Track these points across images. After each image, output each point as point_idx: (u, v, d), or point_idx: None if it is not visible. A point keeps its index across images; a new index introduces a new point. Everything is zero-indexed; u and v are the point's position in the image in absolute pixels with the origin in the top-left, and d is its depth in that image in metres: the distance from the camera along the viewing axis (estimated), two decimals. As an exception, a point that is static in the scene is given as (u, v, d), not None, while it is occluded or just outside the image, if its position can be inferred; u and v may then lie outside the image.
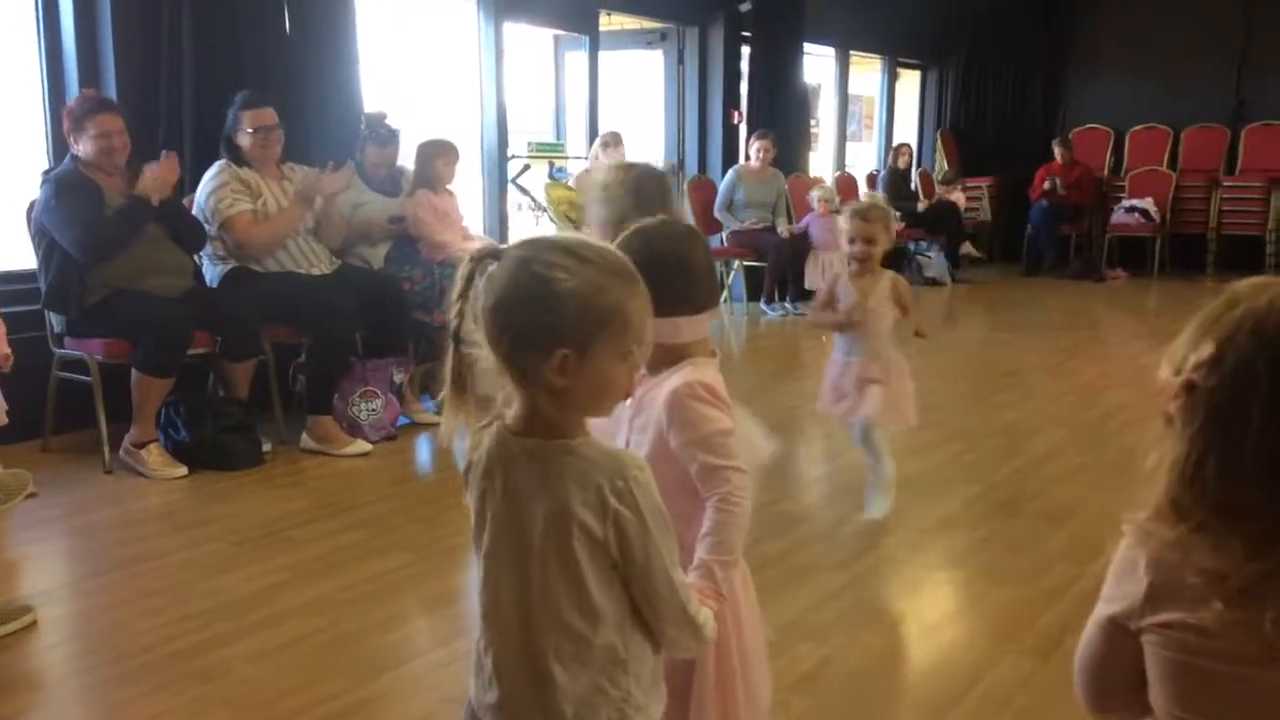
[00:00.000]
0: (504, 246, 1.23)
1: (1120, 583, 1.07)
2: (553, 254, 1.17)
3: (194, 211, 4.24)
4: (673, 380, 1.53)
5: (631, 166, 2.07)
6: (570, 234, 1.27)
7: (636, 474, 1.19)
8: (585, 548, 1.18)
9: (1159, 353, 1.07)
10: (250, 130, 4.24)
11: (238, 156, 4.28)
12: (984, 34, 10.52)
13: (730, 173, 7.81)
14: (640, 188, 1.96)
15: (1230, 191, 9.72)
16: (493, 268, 1.19)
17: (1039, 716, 2.23)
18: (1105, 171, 10.35)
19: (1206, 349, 0.99)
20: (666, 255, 1.53)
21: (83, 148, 3.90)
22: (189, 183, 4.42)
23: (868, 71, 10.41)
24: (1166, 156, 10.21)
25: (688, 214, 7.95)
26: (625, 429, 1.61)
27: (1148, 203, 9.69)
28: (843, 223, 3.36)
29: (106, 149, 3.89)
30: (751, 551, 3.19)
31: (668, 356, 1.53)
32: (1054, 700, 2.25)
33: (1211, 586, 0.98)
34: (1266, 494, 0.97)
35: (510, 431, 1.23)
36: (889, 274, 3.35)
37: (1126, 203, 9.81)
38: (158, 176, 3.94)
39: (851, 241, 3.30)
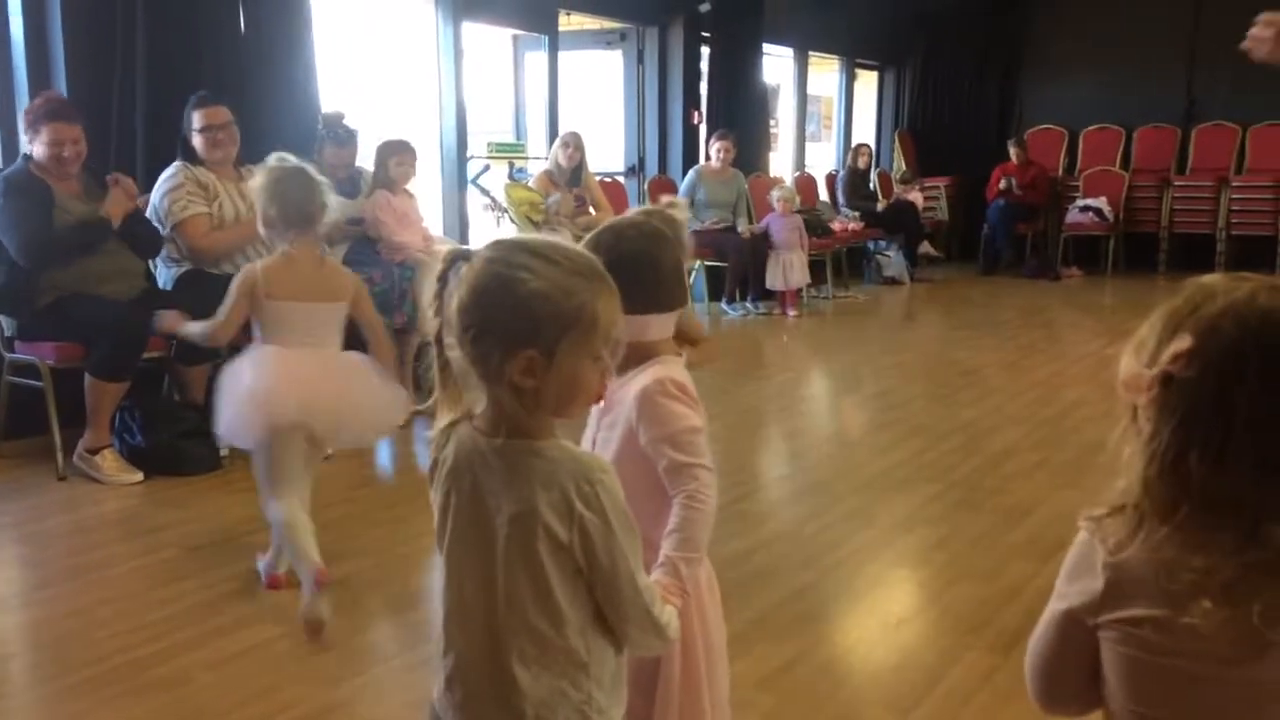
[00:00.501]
0: (475, 248, 1.23)
1: (1076, 578, 1.07)
2: (519, 255, 1.17)
3: (148, 212, 4.17)
4: (642, 378, 1.53)
5: None
6: (538, 236, 1.27)
7: (602, 477, 1.19)
8: (549, 550, 1.18)
9: (1116, 349, 1.07)
10: (198, 128, 4.18)
11: (193, 157, 4.22)
12: (940, 35, 10.62)
13: (691, 173, 7.83)
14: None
15: (1181, 191, 9.89)
16: (463, 269, 1.19)
17: (1000, 712, 2.25)
18: (1060, 171, 10.49)
19: (1184, 341, 0.98)
20: (637, 254, 1.53)
21: (36, 150, 3.85)
22: (144, 186, 4.35)
23: (826, 72, 10.48)
24: (1119, 156, 10.36)
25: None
26: (593, 427, 1.61)
27: (1101, 202, 9.83)
28: None
29: (56, 157, 3.85)
30: (714, 552, 3.19)
31: (636, 355, 1.54)
32: (1015, 696, 2.27)
33: (1198, 583, 0.97)
34: (1254, 484, 0.96)
35: (478, 431, 1.22)
36: None
37: (1081, 202, 9.95)
38: (117, 202, 3.88)
39: None
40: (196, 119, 4.19)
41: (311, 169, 2.62)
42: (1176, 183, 9.93)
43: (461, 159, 6.55)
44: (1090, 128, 10.58)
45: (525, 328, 1.15)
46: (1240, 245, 9.50)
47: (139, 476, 3.78)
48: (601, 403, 1.59)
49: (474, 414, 1.22)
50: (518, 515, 1.18)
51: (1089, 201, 9.90)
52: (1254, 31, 2.04)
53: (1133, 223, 10.00)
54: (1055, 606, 1.09)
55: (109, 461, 3.79)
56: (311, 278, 2.55)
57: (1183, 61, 9.96)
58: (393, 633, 2.72)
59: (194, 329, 2.69)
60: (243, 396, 2.66)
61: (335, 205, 4.59)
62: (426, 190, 5.81)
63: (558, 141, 6.72)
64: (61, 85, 4.30)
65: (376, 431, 3.16)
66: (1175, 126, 10.17)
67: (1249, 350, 0.96)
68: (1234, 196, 9.61)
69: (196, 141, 4.21)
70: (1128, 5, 10.03)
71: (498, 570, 1.20)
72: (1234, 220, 9.59)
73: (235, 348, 4.17)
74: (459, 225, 6.55)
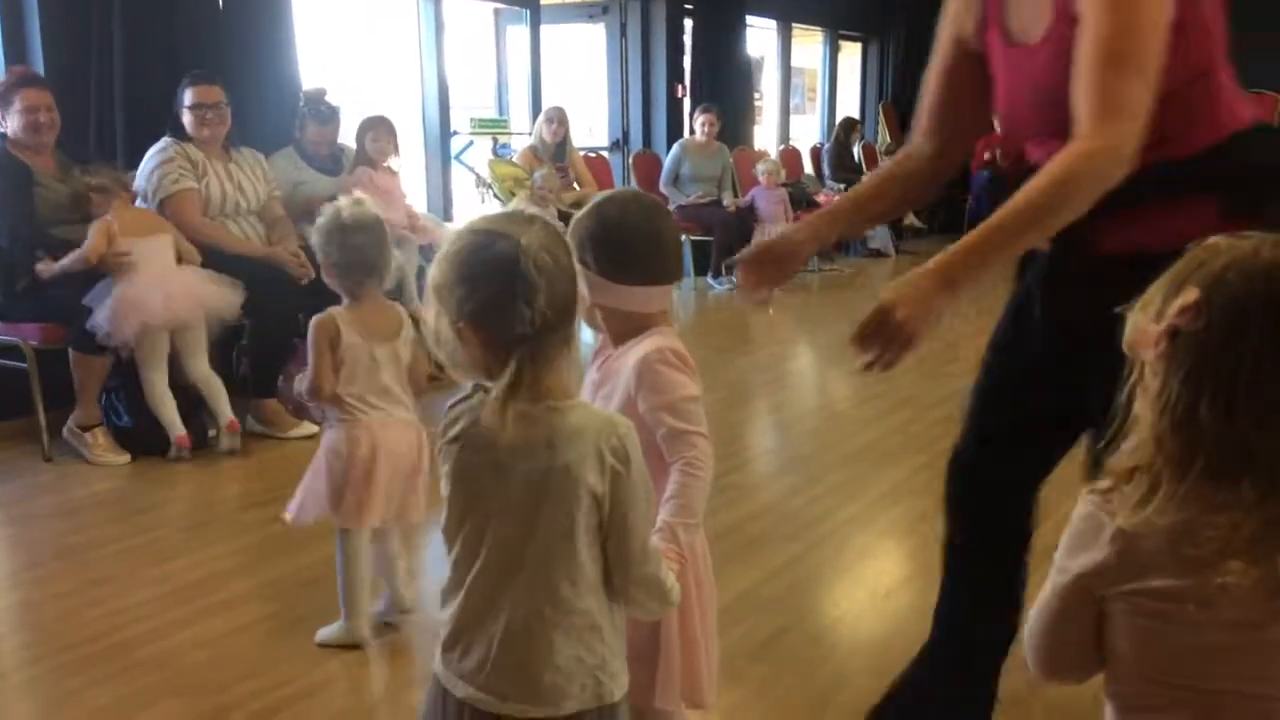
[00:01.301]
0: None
1: (1081, 550, 1.06)
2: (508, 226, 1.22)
3: (136, 185, 4.13)
4: (641, 347, 1.55)
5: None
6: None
7: (627, 433, 1.24)
8: (583, 505, 1.21)
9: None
10: (189, 105, 4.15)
11: (183, 134, 4.19)
12: (924, 5, 10.57)
13: (675, 147, 7.80)
14: None
15: (1164, 160, 9.89)
16: (453, 246, 1.22)
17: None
18: (1045, 142, 10.48)
19: (1190, 294, 0.98)
20: (640, 226, 1.56)
21: (10, 124, 3.81)
22: (124, 163, 4.32)
23: (810, 44, 10.44)
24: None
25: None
26: (590, 397, 1.62)
27: (1085, 172, 9.84)
28: None
29: (33, 124, 3.80)
30: (704, 524, 3.21)
31: (634, 326, 1.56)
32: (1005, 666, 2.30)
33: (1225, 542, 0.97)
34: (1265, 435, 0.96)
35: (497, 400, 1.22)
36: None
37: (1064, 173, 9.95)
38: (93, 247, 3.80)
39: None
40: (188, 96, 4.15)
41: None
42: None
43: (444, 135, 6.51)
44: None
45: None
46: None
47: (126, 458, 3.77)
48: (595, 367, 1.61)
49: (487, 382, 1.23)
50: (548, 471, 1.21)
51: (1073, 172, 9.90)
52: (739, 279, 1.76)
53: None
54: (1058, 580, 1.09)
55: (99, 440, 3.78)
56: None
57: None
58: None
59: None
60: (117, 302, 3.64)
61: (319, 183, 4.60)
62: (410, 167, 5.78)
63: (542, 117, 6.69)
64: (38, 64, 4.25)
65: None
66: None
67: (1253, 301, 0.96)
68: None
69: (186, 119, 4.17)
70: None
71: (521, 533, 1.22)
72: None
73: (220, 328, 4.17)
74: (443, 202, 6.53)
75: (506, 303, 1.17)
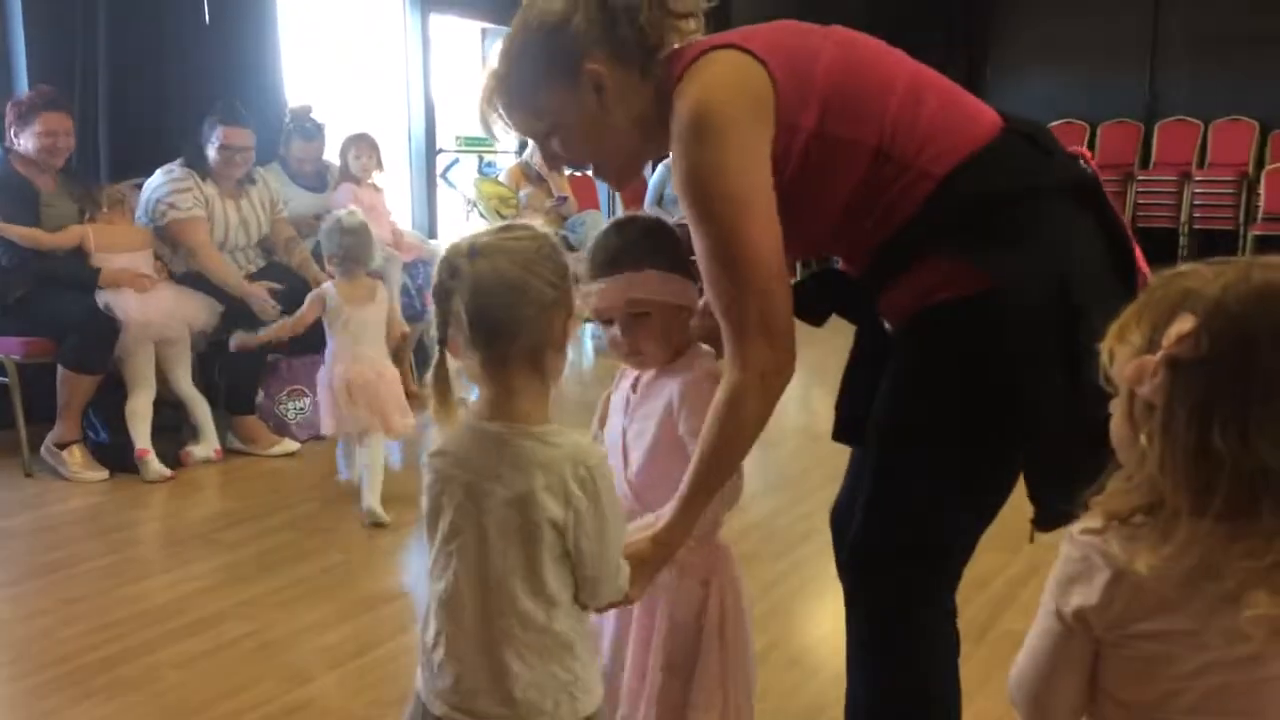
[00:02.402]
0: (469, 244, 1.26)
1: (1077, 591, 1.02)
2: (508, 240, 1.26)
3: (141, 204, 4.10)
4: (689, 368, 1.59)
5: None
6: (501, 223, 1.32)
7: (598, 463, 1.23)
8: (545, 533, 1.22)
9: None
10: (219, 145, 4.09)
11: (201, 165, 4.15)
12: (904, 29, 10.67)
13: (660, 168, 7.78)
14: None
15: (1145, 185, 10.00)
16: (464, 264, 1.23)
17: (972, 698, 2.26)
18: (1025, 166, 10.56)
19: (1187, 321, 0.96)
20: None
21: (24, 143, 3.80)
22: (105, 174, 4.30)
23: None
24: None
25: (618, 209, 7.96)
26: (621, 418, 1.65)
27: (1067, 196, 9.92)
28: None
29: (50, 148, 3.82)
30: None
31: (683, 339, 1.61)
32: (985, 683, 2.29)
33: (1248, 573, 0.94)
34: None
35: (477, 417, 1.25)
36: None
37: (1046, 197, 10.03)
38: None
39: None
40: (220, 135, 4.08)
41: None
42: (1140, 177, 10.05)
43: (430, 153, 6.52)
44: (1055, 123, 10.66)
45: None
46: (1203, 240, 9.63)
47: (104, 474, 3.73)
48: (633, 394, 1.64)
49: (468, 401, 1.24)
50: (515, 499, 1.21)
51: (1054, 196, 9.99)
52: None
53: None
54: (1049, 623, 1.05)
55: (77, 457, 3.75)
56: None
57: (1144, 57, 10.07)
58: (364, 629, 2.69)
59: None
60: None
61: (304, 200, 4.59)
62: (395, 184, 5.78)
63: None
64: (23, 80, 4.24)
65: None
66: (1138, 122, 10.29)
67: (1256, 324, 0.95)
68: (1196, 191, 9.73)
69: (214, 157, 4.11)
70: (1089, 2, 10.13)
71: (492, 555, 1.23)
72: (1196, 215, 9.72)
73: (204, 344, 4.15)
74: (428, 219, 6.52)
75: (442, 310, 1.22)
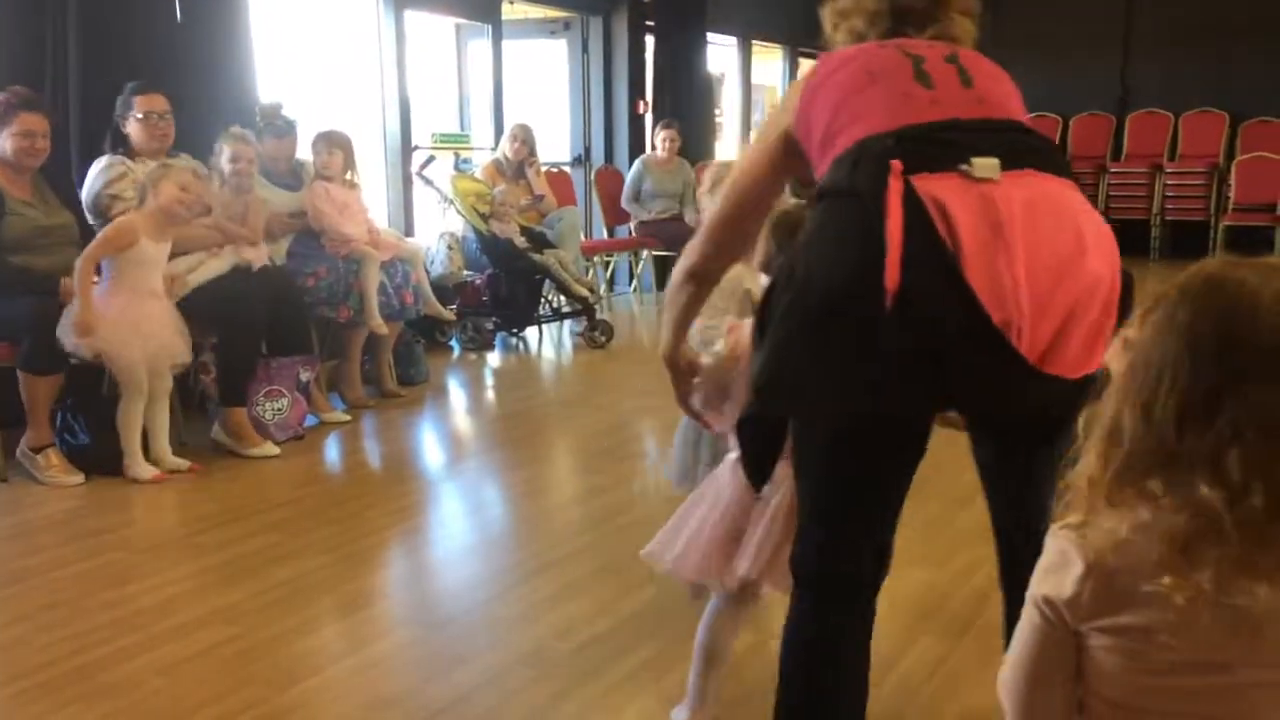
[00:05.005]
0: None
1: (1055, 583, 1.05)
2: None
3: (85, 207, 4.07)
4: None
5: None
6: None
7: None
8: None
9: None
10: (140, 116, 4.10)
11: (126, 148, 4.13)
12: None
13: (636, 163, 7.82)
14: None
15: (1117, 177, 10.09)
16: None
17: (955, 694, 2.28)
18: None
19: (1142, 308, 1.03)
20: None
21: (1, 143, 3.75)
22: (77, 175, 4.25)
23: (769, 60, 10.52)
24: (1057, 143, 10.52)
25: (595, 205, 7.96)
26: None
27: (1040, 189, 9.99)
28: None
29: (28, 149, 3.79)
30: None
31: None
32: (967, 679, 2.31)
33: (1173, 542, 0.97)
34: (1178, 439, 0.98)
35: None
36: None
37: (1020, 189, 10.10)
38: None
39: None
40: (137, 104, 4.11)
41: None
42: (1112, 169, 10.14)
43: (405, 150, 6.48)
44: (1030, 115, 10.71)
45: None
46: (1174, 230, 9.73)
47: (80, 478, 3.69)
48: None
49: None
50: None
51: (1028, 188, 10.05)
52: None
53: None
54: (1029, 615, 1.07)
55: (53, 461, 3.70)
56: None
57: (1116, 50, 10.15)
58: (347, 631, 2.68)
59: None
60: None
61: (278, 198, 4.56)
62: (371, 182, 5.74)
63: (506, 134, 6.68)
64: (-9, 78, 4.18)
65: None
66: (1110, 114, 10.37)
67: (1179, 312, 0.99)
68: (1168, 182, 9.83)
69: (134, 129, 4.12)
70: (1063, -5, 10.20)
71: None
72: (1168, 206, 9.82)
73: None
74: (404, 217, 6.49)
75: None
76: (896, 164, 1.39)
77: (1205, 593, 0.95)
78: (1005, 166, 1.41)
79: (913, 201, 1.37)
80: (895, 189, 1.37)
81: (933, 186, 1.38)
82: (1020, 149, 1.48)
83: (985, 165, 1.40)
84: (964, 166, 1.39)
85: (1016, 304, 1.34)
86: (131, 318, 3.70)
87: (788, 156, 1.67)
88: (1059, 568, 1.04)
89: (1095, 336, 1.39)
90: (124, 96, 4.14)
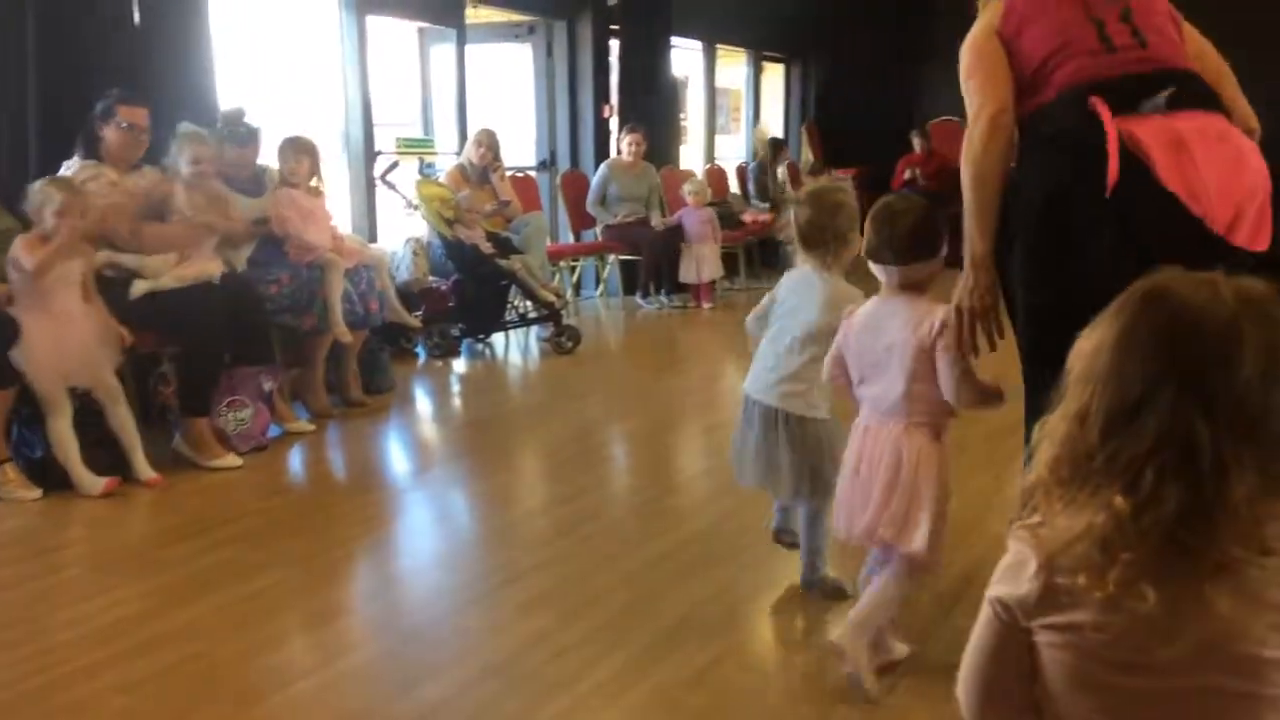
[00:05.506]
0: None
1: (1010, 582, 1.07)
2: None
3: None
4: (935, 311, 2.17)
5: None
6: None
7: None
8: None
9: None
10: (125, 125, 4.06)
11: (98, 153, 4.06)
12: (844, 28, 10.77)
13: (602, 167, 7.81)
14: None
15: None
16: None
17: (926, 694, 2.29)
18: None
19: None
20: (931, 217, 2.26)
21: None
22: (36, 178, 4.17)
23: (734, 64, 10.55)
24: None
25: (561, 210, 7.93)
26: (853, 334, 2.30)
27: (1001, 191, 10.08)
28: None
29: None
30: (636, 550, 3.20)
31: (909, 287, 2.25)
32: (938, 680, 2.32)
33: (1099, 547, 0.99)
34: (1102, 441, 1.02)
35: None
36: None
37: (981, 191, 10.18)
38: None
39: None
40: (121, 114, 4.06)
41: None
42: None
43: (369, 155, 6.43)
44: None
45: None
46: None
47: (38, 493, 3.62)
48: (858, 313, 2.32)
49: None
50: None
51: (989, 191, 10.13)
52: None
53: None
54: (987, 611, 1.10)
55: (9, 475, 3.63)
56: None
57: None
58: (313, 646, 2.65)
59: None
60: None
61: (240, 205, 4.50)
62: (334, 187, 5.69)
63: (471, 139, 6.64)
64: (-56, 83, 4.10)
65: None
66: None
67: (1115, 315, 1.04)
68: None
69: (113, 136, 4.07)
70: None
71: None
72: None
73: (137, 357, 4.03)
74: (368, 223, 6.44)
75: None
76: (1101, 105, 1.94)
77: (1113, 593, 0.98)
78: (1175, 107, 1.95)
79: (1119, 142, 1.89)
80: (1105, 115, 1.92)
81: (1126, 124, 1.92)
82: (1185, 94, 1.99)
83: (1156, 104, 1.95)
84: (1146, 108, 1.94)
85: (1207, 197, 1.84)
86: (47, 341, 3.60)
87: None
88: (1015, 568, 1.07)
89: (1261, 220, 1.88)
90: (107, 102, 4.08)
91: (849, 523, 2.31)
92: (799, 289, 2.64)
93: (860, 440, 2.29)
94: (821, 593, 2.77)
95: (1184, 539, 0.97)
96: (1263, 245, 1.86)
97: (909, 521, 2.19)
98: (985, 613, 1.10)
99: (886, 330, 2.22)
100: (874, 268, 2.26)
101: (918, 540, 2.18)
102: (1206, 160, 1.87)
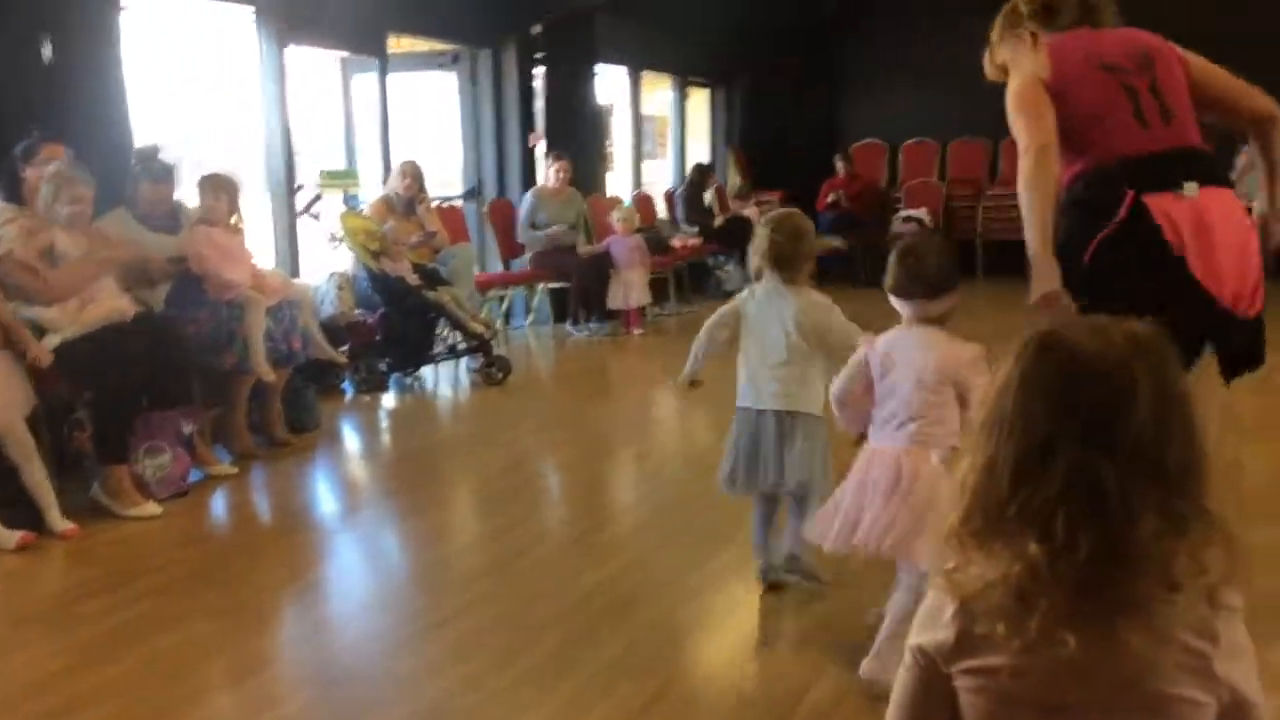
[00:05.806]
0: None
1: (929, 628, 1.08)
2: None
3: None
4: (966, 349, 2.38)
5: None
6: None
7: None
8: None
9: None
10: (45, 163, 3.97)
11: (20, 194, 3.94)
12: (766, 53, 10.91)
13: (529, 194, 7.78)
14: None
15: (993, 200, 10.43)
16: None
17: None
18: (885, 183, 10.92)
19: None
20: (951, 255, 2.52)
21: None
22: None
23: (659, 90, 10.61)
24: (936, 168, 10.87)
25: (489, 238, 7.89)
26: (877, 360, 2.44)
27: (922, 212, 10.28)
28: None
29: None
30: (570, 586, 3.16)
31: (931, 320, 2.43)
32: (876, 708, 2.32)
33: (1013, 592, 1.00)
34: (1013, 487, 1.03)
35: None
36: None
37: (903, 213, 10.38)
38: None
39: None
40: (45, 153, 4.01)
41: None
42: (989, 192, 10.48)
43: (289, 188, 6.32)
44: (909, 141, 11.06)
45: None
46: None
47: (-55, 547, 3.48)
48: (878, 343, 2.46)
49: None
50: None
51: (911, 212, 10.33)
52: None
53: (952, 231, 10.48)
54: (908, 662, 1.11)
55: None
56: None
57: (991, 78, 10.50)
58: (239, 699, 2.57)
59: None
60: None
61: (155, 243, 4.40)
62: (256, 222, 5.59)
63: (395, 170, 6.58)
64: None
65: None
66: (986, 139, 10.73)
67: (1015, 363, 1.05)
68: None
69: (36, 176, 3.97)
70: (936, 27, 10.53)
71: None
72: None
73: (50, 401, 3.91)
74: (290, 258, 6.33)
75: None
76: (1129, 193, 2.24)
77: (1034, 640, 0.99)
78: (1201, 183, 2.24)
79: (1143, 211, 2.23)
80: (1128, 203, 2.24)
81: (1159, 203, 2.23)
82: (1205, 171, 2.30)
83: (1191, 187, 2.24)
84: (1178, 191, 2.24)
85: (1222, 281, 2.21)
86: None
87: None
88: (933, 613, 1.08)
89: (1257, 290, 2.28)
90: (28, 142, 4.01)
91: (845, 533, 2.44)
92: (771, 303, 2.91)
93: (869, 460, 2.46)
94: (803, 575, 2.97)
95: (1097, 581, 0.99)
96: (1257, 310, 2.30)
97: (915, 539, 2.31)
98: (905, 660, 1.11)
99: (909, 360, 2.41)
100: (896, 301, 2.45)
101: (924, 558, 2.27)
102: (1224, 243, 2.22)
